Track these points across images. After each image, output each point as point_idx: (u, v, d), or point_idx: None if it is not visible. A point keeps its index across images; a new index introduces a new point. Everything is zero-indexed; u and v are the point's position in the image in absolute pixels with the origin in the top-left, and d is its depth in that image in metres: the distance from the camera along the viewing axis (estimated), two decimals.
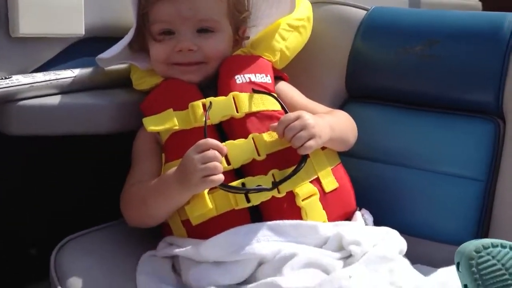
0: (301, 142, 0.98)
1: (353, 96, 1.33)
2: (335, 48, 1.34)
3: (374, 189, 1.21)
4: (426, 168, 1.19)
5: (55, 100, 1.12)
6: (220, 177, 0.94)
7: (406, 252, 1.07)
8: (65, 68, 1.17)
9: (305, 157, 1.01)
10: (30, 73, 1.11)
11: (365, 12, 1.35)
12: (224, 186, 0.97)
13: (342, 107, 1.33)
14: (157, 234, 1.08)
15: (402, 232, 1.11)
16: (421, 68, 1.23)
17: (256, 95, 1.07)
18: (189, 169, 0.94)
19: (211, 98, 1.06)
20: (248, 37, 1.21)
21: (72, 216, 1.20)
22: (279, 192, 1.01)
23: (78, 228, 1.11)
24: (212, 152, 0.95)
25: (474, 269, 0.77)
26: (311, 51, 1.34)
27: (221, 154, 0.96)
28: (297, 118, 0.99)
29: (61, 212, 1.25)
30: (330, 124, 1.06)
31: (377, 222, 1.12)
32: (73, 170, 1.26)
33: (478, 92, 1.19)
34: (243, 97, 1.06)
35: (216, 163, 0.94)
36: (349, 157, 1.20)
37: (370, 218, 1.11)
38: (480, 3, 2.93)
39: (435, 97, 1.23)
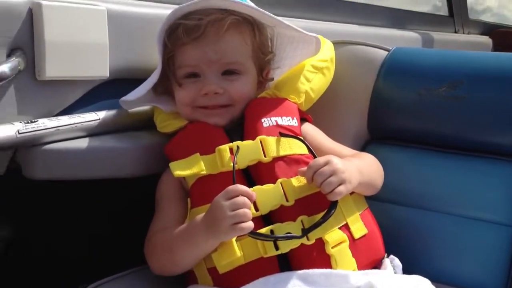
0: (331, 188, 0.96)
1: (375, 137, 1.32)
2: (357, 89, 1.33)
3: (399, 235, 1.19)
4: (452, 212, 1.17)
5: (80, 143, 1.11)
6: (250, 224, 0.92)
7: None
8: (89, 111, 1.16)
9: (335, 203, 0.99)
10: (55, 115, 1.10)
11: (386, 52, 1.35)
12: (253, 233, 0.95)
13: (363, 148, 1.32)
14: (181, 281, 1.05)
15: (432, 280, 1.08)
16: (445, 110, 1.22)
17: (283, 139, 1.06)
18: (218, 216, 0.93)
19: (238, 142, 1.05)
20: (273, 79, 1.20)
21: (93, 262, 1.17)
22: (308, 240, 0.99)
23: (99, 276, 1.09)
24: (242, 199, 0.93)
25: None
26: (332, 92, 1.33)
27: (250, 201, 0.94)
28: (327, 163, 0.98)
29: (81, 258, 1.22)
30: (359, 168, 1.05)
31: (405, 270, 1.10)
32: (95, 214, 1.24)
33: (504, 134, 1.17)
34: (271, 141, 1.05)
35: (246, 210, 0.92)
36: (372, 201, 1.17)
37: (399, 265, 1.08)
38: (490, 40, 2.95)
39: (459, 139, 1.22)
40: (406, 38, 2.26)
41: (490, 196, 1.15)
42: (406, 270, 1.10)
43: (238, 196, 0.93)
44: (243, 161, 1.04)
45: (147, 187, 1.14)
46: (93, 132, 1.15)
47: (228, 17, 1.07)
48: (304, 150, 1.07)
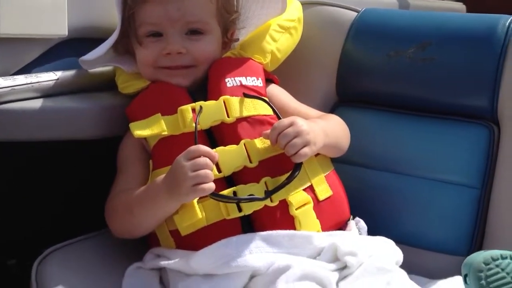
0: (295, 150, 0.94)
1: (343, 100, 1.30)
2: (325, 51, 1.30)
3: (366, 197, 1.18)
4: (420, 175, 1.16)
5: (36, 104, 1.06)
6: (211, 185, 0.89)
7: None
8: (47, 70, 1.11)
9: (299, 165, 0.97)
10: (11, 75, 1.05)
11: (355, 13, 1.32)
12: (215, 195, 0.92)
13: (332, 111, 1.29)
14: (143, 244, 1.03)
15: (397, 241, 1.08)
16: (414, 72, 1.20)
17: (247, 99, 1.03)
18: (179, 177, 0.90)
19: (201, 102, 1.02)
20: (238, 39, 1.16)
21: (55, 226, 1.14)
22: (271, 201, 0.96)
23: (61, 239, 1.05)
24: (203, 159, 0.90)
25: (483, 281, 0.74)
26: (300, 53, 1.30)
27: (213, 162, 0.91)
28: (291, 124, 0.95)
29: (42, 221, 1.19)
30: (324, 129, 1.02)
31: (370, 231, 1.09)
32: (55, 177, 1.20)
33: (472, 97, 1.16)
34: (234, 101, 1.02)
35: (207, 171, 0.89)
36: (339, 163, 1.15)
37: (364, 227, 1.07)
38: (464, 7, 2.92)
39: (428, 102, 1.20)
40: (377, 2, 2.21)
41: (457, 159, 1.14)
42: (372, 232, 1.09)
43: (199, 156, 0.90)
44: (205, 122, 1.00)
45: (109, 149, 1.11)
46: (51, 93, 1.10)
47: None
48: (269, 111, 1.04)
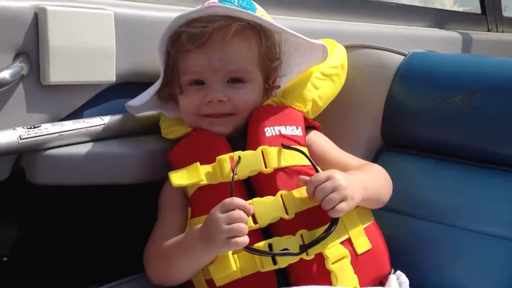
0: (332, 205, 0.92)
1: (388, 145, 1.27)
2: (371, 95, 1.28)
3: (410, 247, 1.14)
4: (466, 227, 1.11)
5: (83, 149, 1.09)
6: (245, 239, 0.89)
7: None
8: (95, 115, 1.14)
9: (336, 220, 0.95)
10: (60, 120, 1.09)
11: (402, 57, 1.29)
12: (250, 249, 0.92)
13: (377, 156, 1.27)
14: None
15: None
16: (461, 119, 1.16)
17: (285, 150, 1.02)
18: (213, 229, 0.90)
19: (239, 152, 1.02)
20: (279, 87, 1.16)
21: (96, 268, 1.16)
22: (307, 255, 0.95)
23: (101, 282, 1.07)
24: (238, 213, 0.90)
25: None
26: (345, 97, 1.28)
27: (248, 214, 0.91)
28: (328, 178, 0.93)
29: (84, 264, 1.21)
30: (364, 183, 1.00)
31: (412, 284, 1.05)
32: (98, 220, 1.22)
33: None
34: (272, 151, 1.01)
35: (242, 225, 0.89)
36: (383, 211, 1.13)
37: (406, 281, 1.04)
38: None
39: (475, 150, 1.16)
40: (436, 38, 2.17)
41: (503, 211, 1.09)
42: (414, 286, 1.05)
43: (234, 209, 0.90)
44: (243, 172, 1.00)
45: (152, 194, 1.12)
46: (98, 137, 1.13)
47: (233, 23, 1.03)
48: (307, 162, 1.02)
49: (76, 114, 1.13)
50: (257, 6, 1.11)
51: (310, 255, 0.95)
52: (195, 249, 0.93)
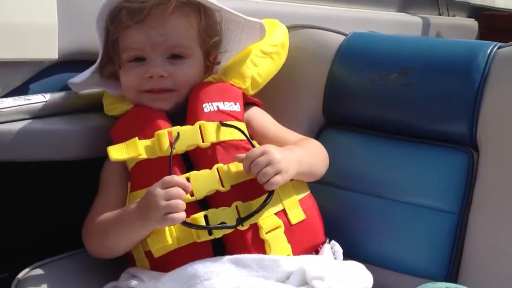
0: (267, 178, 0.95)
1: (330, 122, 1.30)
2: (313, 74, 1.31)
3: (345, 219, 1.18)
4: (397, 199, 1.15)
5: (23, 125, 1.09)
6: (182, 215, 0.91)
7: (375, 283, 1.03)
8: (37, 93, 1.14)
9: (271, 193, 0.98)
10: (0, 98, 1.08)
11: (343, 37, 1.32)
12: (186, 223, 0.94)
13: (319, 133, 1.30)
14: (122, 263, 1.04)
15: (372, 263, 1.08)
16: (396, 97, 1.20)
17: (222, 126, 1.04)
18: (152, 205, 0.92)
19: (178, 128, 1.03)
20: (219, 63, 1.17)
21: (35, 245, 1.16)
22: (242, 225, 0.97)
23: (45, 255, 1.08)
24: (176, 190, 0.92)
25: None
26: (288, 76, 1.31)
27: (186, 192, 0.93)
28: (263, 153, 0.96)
29: (23, 241, 1.21)
30: (299, 157, 1.03)
31: (347, 253, 1.09)
32: (42, 194, 1.22)
33: (452, 122, 1.15)
34: (210, 126, 1.03)
35: (179, 201, 0.91)
36: (320, 185, 1.16)
37: (339, 250, 1.07)
38: (476, 23, 2.89)
39: (409, 126, 1.20)
40: (386, 21, 2.20)
41: (436, 184, 1.13)
42: (348, 255, 1.09)
43: (174, 186, 0.92)
44: (181, 146, 1.02)
45: (94, 170, 1.13)
46: (40, 115, 1.13)
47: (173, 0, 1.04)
48: (244, 137, 1.05)
49: (17, 92, 1.12)
50: None
51: (245, 226, 0.98)
52: (132, 224, 0.95)
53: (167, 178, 0.93)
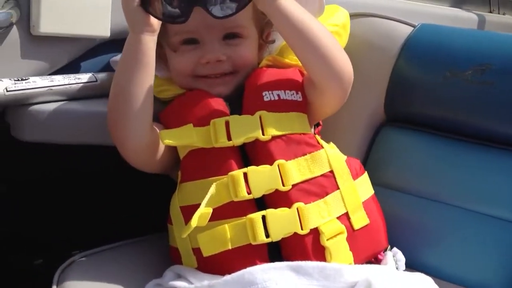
0: None
1: (391, 119, 1.19)
2: (376, 66, 1.20)
3: (403, 224, 1.06)
4: (465, 207, 1.04)
5: (73, 106, 1.02)
6: None
7: None
8: (88, 71, 1.06)
9: None
10: (49, 75, 1.00)
11: (411, 28, 1.20)
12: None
13: (378, 129, 1.19)
14: (166, 259, 0.96)
15: (431, 274, 0.97)
16: (470, 95, 1.07)
17: (283, 116, 0.93)
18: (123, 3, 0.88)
19: (236, 117, 0.93)
20: (274, 41, 1.06)
21: (86, 232, 1.09)
22: (302, 229, 0.88)
23: (89, 245, 1.00)
24: None
25: None
26: None
27: None
28: None
29: (73, 226, 1.14)
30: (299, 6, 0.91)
31: (408, 262, 0.98)
32: (89, 185, 1.14)
33: None
34: (271, 117, 0.93)
35: None
36: (381, 187, 1.06)
37: (402, 259, 0.97)
38: None
39: (482, 129, 1.08)
40: (434, 15, 2.07)
41: (507, 192, 1.01)
42: (410, 264, 0.99)
43: None
44: (238, 138, 0.92)
45: None
46: (90, 95, 1.05)
47: None
48: (307, 130, 0.94)
49: (67, 69, 1.05)
50: None
51: (305, 229, 0.88)
52: (128, 45, 0.90)
53: None
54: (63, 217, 1.14)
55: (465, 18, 2.25)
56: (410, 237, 1.05)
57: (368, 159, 1.18)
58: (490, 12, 2.61)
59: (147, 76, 0.91)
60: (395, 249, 0.99)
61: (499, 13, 2.65)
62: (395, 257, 0.97)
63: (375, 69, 1.20)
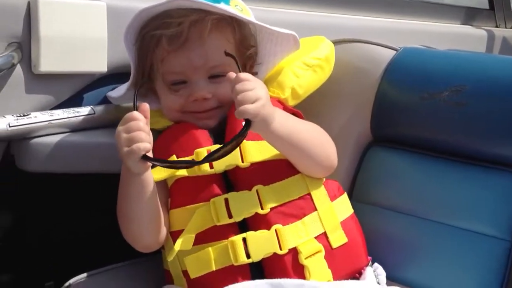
0: (245, 102, 0.87)
1: (378, 140, 1.22)
2: (361, 90, 1.23)
3: (388, 240, 1.09)
4: (447, 223, 1.05)
5: (73, 137, 1.06)
6: (144, 145, 0.87)
7: None
8: (87, 105, 1.11)
9: (247, 124, 0.89)
10: (50, 110, 1.06)
11: (394, 52, 1.23)
12: (147, 157, 0.89)
13: (366, 150, 1.22)
14: (162, 279, 1.00)
15: None
16: (447, 116, 1.10)
17: (262, 144, 0.97)
18: (118, 145, 0.89)
19: (217, 146, 0.97)
20: (256, 73, 1.10)
21: (92, 252, 1.14)
22: (281, 249, 0.91)
23: (98, 265, 1.05)
24: (135, 123, 0.88)
25: None
26: (335, 91, 1.24)
27: (146, 117, 0.90)
28: (254, 88, 0.89)
29: (80, 247, 1.19)
30: (287, 116, 0.96)
31: (387, 276, 1.01)
32: (87, 208, 1.19)
33: (504, 144, 1.04)
34: (250, 146, 0.97)
35: (141, 133, 0.88)
36: (366, 204, 1.08)
37: (382, 273, 1.00)
38: None
39: (460, 147, 1.10)
40: (440, 33, 2.08)
41: (487, 208, 1.03)
42: (389, 278, 1.01)
43: (133, 121, 0.89)
44: (220, 165, 0.96)
45: None
46: (89, 127, 1.10)
47: (206, 16, 0.97)
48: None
49: (67, 104, 1.09)
50: None
51: (283, 249, 0.91)
52: (123, 178, 0.92)
53: (126, 114, 0.90)
54: (67, 240, 1.19)
55: (472, 35, 2.26)
56: (392, 252, 1.08)
57: (357, 178, 1.21)
58: (497, 26, 2.61)
59: (146, 200, 0.93)
60: (375, 264, 1.02)
61: (505, 27, 2.64)
62: (375, 272, 0.99)
63: (360, 92, 1.23)
